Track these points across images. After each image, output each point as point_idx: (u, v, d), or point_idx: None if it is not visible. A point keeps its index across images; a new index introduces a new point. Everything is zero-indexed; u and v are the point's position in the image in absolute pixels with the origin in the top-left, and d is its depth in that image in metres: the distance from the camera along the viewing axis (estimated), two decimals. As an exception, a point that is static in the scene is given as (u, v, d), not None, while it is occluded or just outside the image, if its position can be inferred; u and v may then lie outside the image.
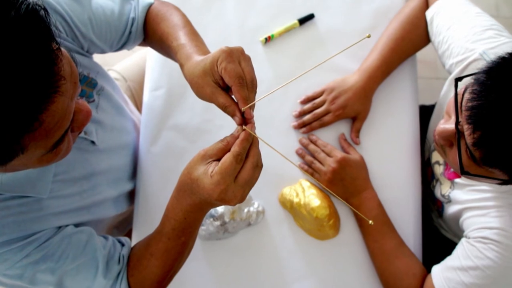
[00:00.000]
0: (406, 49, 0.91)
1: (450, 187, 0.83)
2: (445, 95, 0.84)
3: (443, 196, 0.85)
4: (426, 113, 1.05)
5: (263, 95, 0.54)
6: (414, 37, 0.90)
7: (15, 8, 0.39)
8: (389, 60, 0.89)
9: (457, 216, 0.81)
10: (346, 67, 0.93)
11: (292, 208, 0.87)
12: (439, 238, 1.03)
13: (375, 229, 0.84)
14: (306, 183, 0.87)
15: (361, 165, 0.88)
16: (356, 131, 0.91)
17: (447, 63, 0.82)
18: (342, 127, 0.93)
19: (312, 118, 0.90)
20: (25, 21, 0.39)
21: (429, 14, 0.87)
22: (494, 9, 1.96)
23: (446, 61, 0.82)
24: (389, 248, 0.83)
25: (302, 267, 0.88)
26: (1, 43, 0.37)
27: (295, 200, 0.85)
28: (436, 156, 0.89)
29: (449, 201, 0.83)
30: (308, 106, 0.92)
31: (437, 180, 0.88)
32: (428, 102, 1.19)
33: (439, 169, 0.87)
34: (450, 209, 0.83)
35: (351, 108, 0.89)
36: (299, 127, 0.92)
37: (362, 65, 0.91)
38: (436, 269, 0.78)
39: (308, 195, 0.85)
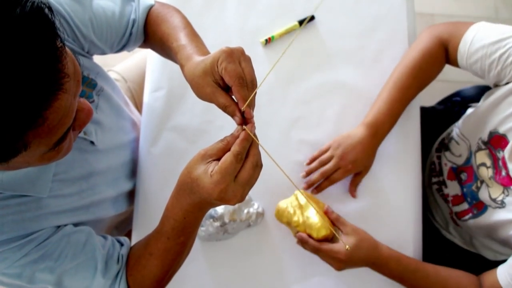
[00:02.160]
0: (412, 97, 0.89)
1: (504, 192, 0.81)
2: (500, 98, 0.79)
3: (493, 200, 0.83)
4: (426, 115, 1.05)
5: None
6: (422, 82, 0.88)
7: (20, 6, 0.39)
8: (395, 113, 0.87)
9: (507, 222, 0.80)
10: (348, 71, 0.94)
11: (289, 225, 0.85)
12: (439, 239, 1.03)
13: (410, 266, 0.82)
14: (302, 198, 0.83)
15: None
16: (355, 185, 0.89)
17: (507, 77, 0.76)
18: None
19: (320, 176, 0.86)
20: (30, 19, 0.40)
21: (466, 43, 0.82)
22: (493, 11, 1.97)
23: (507, 75, 0.76)
24: (433, 274, 0.81)
25: (302, 269, 0.88)
26: (7, 39, 0.38)
27: (294, 219, 0.83)
28: (481, 157, 0.85)
29: (502, 206, 0.81)
30: (314, 164, 0.88)
31: (482, 181, 0.86)
32: (428, 103, 1.19)
33: (486, 172, 0.83)
34: (499, 215, 0.81)
35: (360, 163, 0.85)
36: (308, 187, 0.88)
37: (368, 117, 0.87)
38: (500, 268, 0.76)
39: (306, 214, 0.82)
